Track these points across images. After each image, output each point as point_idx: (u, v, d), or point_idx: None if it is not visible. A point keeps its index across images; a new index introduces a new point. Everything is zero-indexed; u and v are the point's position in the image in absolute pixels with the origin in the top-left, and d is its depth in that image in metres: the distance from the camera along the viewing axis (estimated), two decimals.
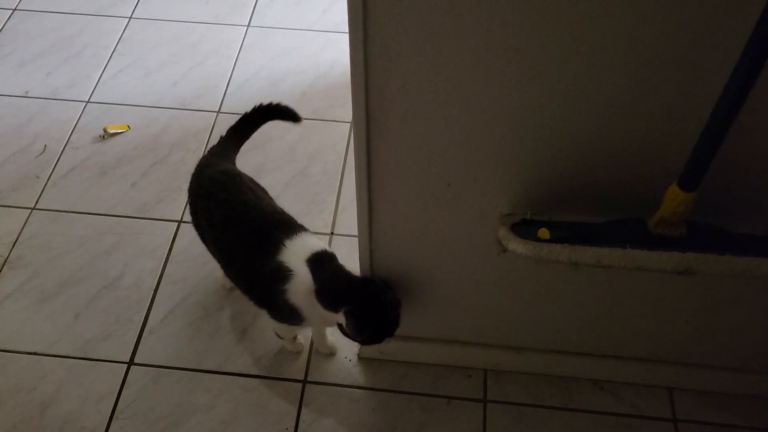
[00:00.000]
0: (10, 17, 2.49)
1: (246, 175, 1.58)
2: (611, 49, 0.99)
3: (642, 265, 1.04)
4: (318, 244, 1.45)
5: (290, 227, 1.46)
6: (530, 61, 1.01)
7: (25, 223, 1.92)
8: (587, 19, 0.96)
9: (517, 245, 1.09)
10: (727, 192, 1.13)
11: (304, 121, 2.15)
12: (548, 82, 1.04)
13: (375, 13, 0.98)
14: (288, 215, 1.51)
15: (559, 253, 1.06)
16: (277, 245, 1.41)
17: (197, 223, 1.58)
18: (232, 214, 1.47)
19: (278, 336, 1.63)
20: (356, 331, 1.34)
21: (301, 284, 1.38)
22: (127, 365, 1.66)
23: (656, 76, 1.02)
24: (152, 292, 1.79)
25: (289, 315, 1.44)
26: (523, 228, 1.15)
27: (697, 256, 1.03)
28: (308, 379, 1.65)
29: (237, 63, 2.35)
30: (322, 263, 1.40)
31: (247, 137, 1.70)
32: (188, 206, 1.63)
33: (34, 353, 1.68)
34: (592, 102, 1.06)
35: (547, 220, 1.16)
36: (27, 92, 2.25)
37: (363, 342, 1.45)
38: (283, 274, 1.39)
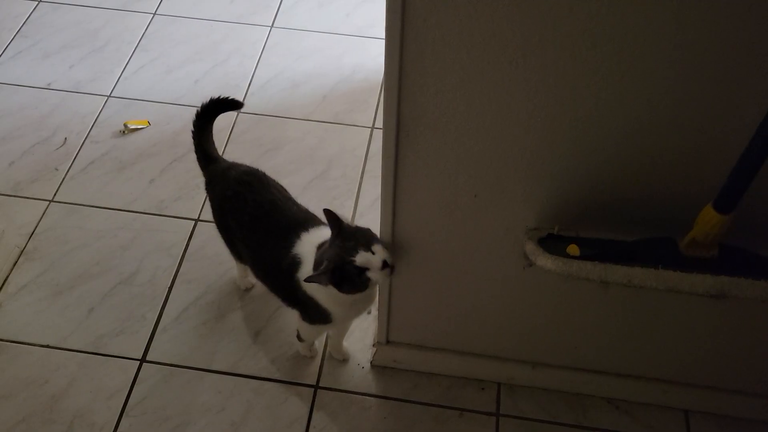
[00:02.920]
0: (35, 8, 2.49)
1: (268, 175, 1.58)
2: (648, 64, 0.98)
3: (674, 286, 1.02)
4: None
5: (312, 222, 1.45)
6: (567, 76, 1.00)
7: (42, 215, 1.92)
8: (625, 35, 0.95)
9: (545, 261, 1.07)
10: (761, 215, 1.11)
11: (324, 125, 2.17)
12: (584, 96, 1.02)
13: (413, 19, 0.97)
14: (312, 214, 1.50)
15: (589, 271, 1.04)
16: (294, 239, 1.41)
17: (224, 225, 1.57)
18: (261, 213, 1.47)
19: (299, 338, 1.62)
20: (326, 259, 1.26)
21: (309, 270, 1.36)
22: (139, 362, 1.65)
23: (693, 93, 1.00)
24: (167, 289, 1.78)
25: (315, 313, 1.42)
26: (550, 243, 1.13)
27: (731, 280, 1.01)
28: (320, 385, 1.63)
29: (259, 63, 2.34)
30: None
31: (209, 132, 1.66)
32: (212, 209, 1.62)
33: (47, 346, 1.67)
34: (627, 117, 1.05)
35: (574, 236, 1.14)
36: (49, 84, 2.25)
37: (333, 278, 1.27)
38: (296, 264, 1.38)
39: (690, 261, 1.05)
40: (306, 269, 1.37)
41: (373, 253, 1.26)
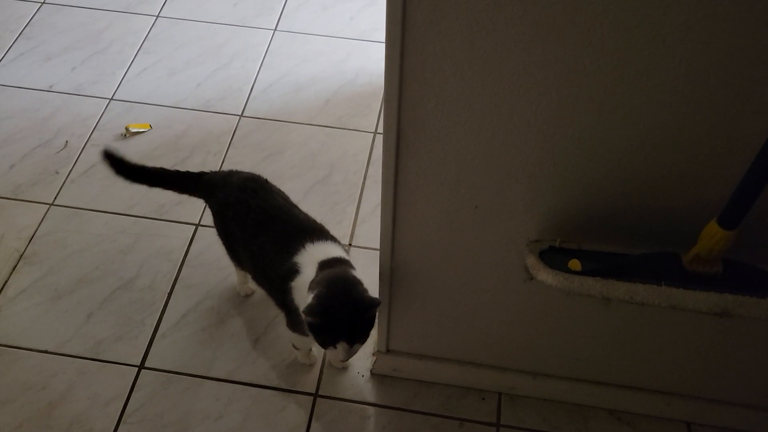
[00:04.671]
0: (38, 10, 2.49)
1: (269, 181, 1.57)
2: (652, 77, 0.97)
3: (678, 304, 1.00)
4: (338, 251, 1.43)
5: (319, 234, 1.45)
6: (570, 88, 0.99)
7: (42, 219, 1.91)
8: (630, 48, 0.94)
9: (546, 276, 1.06)
10: (766, 230, 1.09)
11: (326, 129, 2.16)
12: (586, 108, 1.01)
13: (413, 30, 0.96)
14: (319, 224, 1.50)
15: (590, 287, 1.03)
16: (298, 247, 1.40)
17: (225, 231, 1.56)
18: (266, 218, 1.46)
19: (294, 347, 1.61)
20: (310, 311, 1.26)
21: (303, 283, 1.36)
22: (137, 368, 1.64)
23: (698, 107, 0.99)
24: (166, 295, 1.77)
25: (299, 322, 1.41)
26: (552, 256, 1.12)
27: (735, 299, 0.99)
28: (320, 393, 1.62)
29: (262, 67, 2.33)
30: (332, 266, 1.37)
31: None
32: (213, 216, 1.61)
33: (45, 351, 1.66)
34: (630, 130, 1.04)
35: (576, 249, 1.13)
36: (51, 86, 2.24)
37: (315, 333, 1.31)
38: (293, 272, 1.38)
39: (694, 277, 1.04)
40: (302, 279, 1.36)
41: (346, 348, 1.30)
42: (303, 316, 1.29)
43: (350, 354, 1.32)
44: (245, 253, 1.52)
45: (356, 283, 1.32)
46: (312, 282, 1.33)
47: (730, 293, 1.00)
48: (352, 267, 1.40)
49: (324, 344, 1.33)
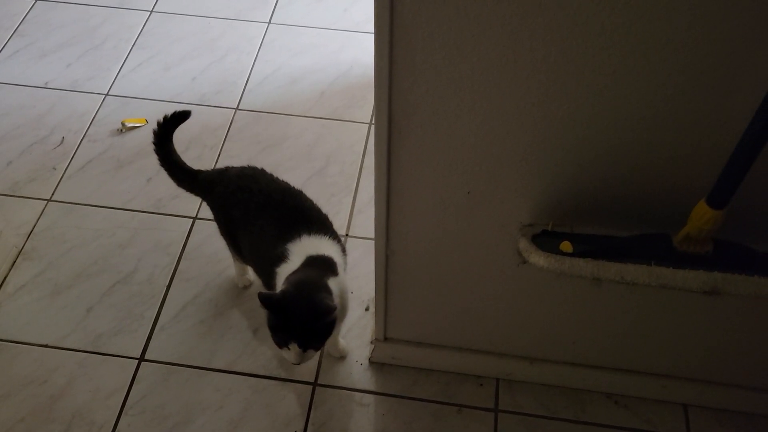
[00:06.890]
0: (32, 7, 2.49)
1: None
2: (641, 60, 0.97)
3: (667, 283, 1.01)
4: (330, 249, 1.43)
5: (319, 227, 1.45)
6: (559, 71, 0.99)
7: (40, 215, 1.92)
8: (618, 30, 0.94)
9: (538, 258, 1.07)
10: (756, 209, 1.10)
11: (322, 121, 2.17)
12: (576, 92, 1.02)
13: (402, 17, 0.96)
14: (324, 215, 1.50)
15: (581, 268, 1.04)
16: (294, 236, 1.41)
17: (226, 221, 1.55)
18: (270, 201, 1.46)
19: None
20: (263, 299, 1.27)
21: (286, 272, 1.37)
22: (137, 361, 1.66)
23: (686, 88, 0.99)
24: (165, 288, 1.78)
25: None
26: (544, 239, 1.12)
27: (724, 276, 1.00)
28: (319, 382, 1.63)
29: (257, 60, 2.34)
30: (317, 263, 1.38)
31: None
32: (213, 211, 1.60)
33: (46, 345, 1.67)
34: (620, 113, 1.04)
35: (568, 232, 1.14)
36: (47, 83, 2.25)
37: (271, 329, 1.33)
38: (281, 258, 1.39)
39: (684, 257, 1.05)
40: (286, 268, 1.38)
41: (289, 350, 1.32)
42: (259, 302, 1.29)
43: (302, 358, 1.32)
44: (245, 236, 1.51)
45: (320, 289, 1.32)
46: (290, 275, 1.35)
47: (719, 272, 1.01)
48: (335, 272, 1.40)
49: (278, 343, 1.33)
